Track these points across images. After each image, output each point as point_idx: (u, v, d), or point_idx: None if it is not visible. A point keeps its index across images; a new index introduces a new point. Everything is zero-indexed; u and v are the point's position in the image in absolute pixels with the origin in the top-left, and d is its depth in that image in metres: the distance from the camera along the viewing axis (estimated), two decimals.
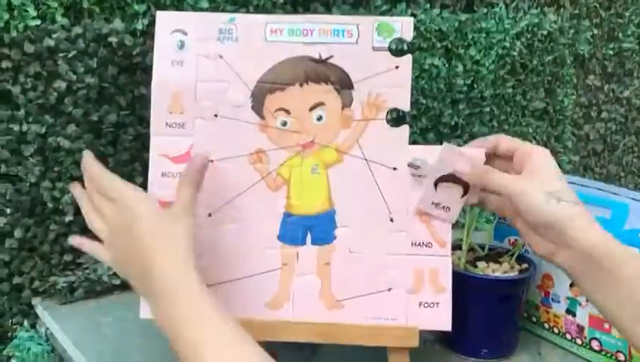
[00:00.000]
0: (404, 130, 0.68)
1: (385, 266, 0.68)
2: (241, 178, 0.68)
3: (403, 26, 0.67)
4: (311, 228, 0.68)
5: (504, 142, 0.66)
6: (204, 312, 0.54)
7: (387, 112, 0.68)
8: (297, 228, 0.68)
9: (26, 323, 0.88)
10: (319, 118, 0.68)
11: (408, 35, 0.67)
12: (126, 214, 0.59)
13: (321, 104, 0.68)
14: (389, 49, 0.68)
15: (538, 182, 0.61)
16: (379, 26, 0.67)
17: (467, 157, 0.66)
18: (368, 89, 0.67)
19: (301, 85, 0.68)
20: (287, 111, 0.68)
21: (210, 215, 0.68)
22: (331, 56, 0.67)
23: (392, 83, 0.67)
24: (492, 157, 0.66)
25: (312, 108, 0.68)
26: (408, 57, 0.68)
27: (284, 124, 0.68)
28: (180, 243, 0.57)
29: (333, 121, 0.68)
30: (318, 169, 0.68)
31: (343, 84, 0.68)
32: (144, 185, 0.90)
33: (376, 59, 0.67)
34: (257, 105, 0.68)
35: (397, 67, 0.67)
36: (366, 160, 0.68)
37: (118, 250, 0.60)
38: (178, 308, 0.54)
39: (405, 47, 0.68)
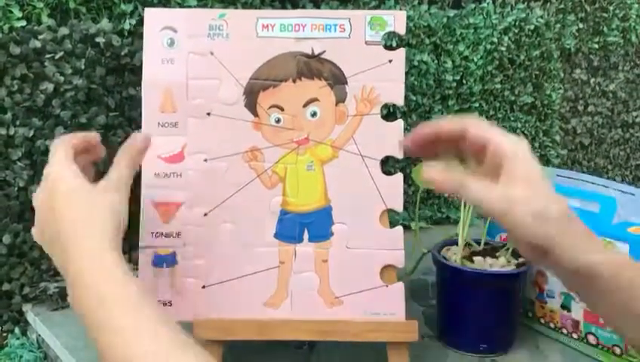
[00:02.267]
0: (399, 124, 0.68)
1: (382, 261, 0.68)
2: (237, 176, 0.67)
3: (395, 20, 0.67)
4: (308, 225, 0.67)
5: (474, 130, 0.54)
6: (118, 298, 0.47)
7: (381, 107, 0.68)
8: (294, 225, 0.67)
9: (17, 330, 0.86)
10: (313, 114, 0.67)
11: (401, 28, 0.67)
12: (46, 186, 0.54)
13: (314, 100, 0.67)
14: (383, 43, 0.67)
15: (523, 196, 0.51)
16: (371, 20, 0.66)
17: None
18: (362, 84, 0.67)
19: (294, 81, 0.67)
20: (281, 108, 0.67)
21: (206, 214, 0.67)
22: (324, 52, 0.67)
23: (386, 77, 0.67)
24: (461, 143, 0.54)
25: (305, 105, 0.67)
26: (401, 51, 0.67)
27: (278, 121, 0.67)
28: (98, 223, 0.51)
29: (327, 117, 0.67)
30: (314, 166, 0.68)
31: (337, 79, 0.67)
32: (135, 187, 0.89)
33: (369, 53, 0.67)
34: (250, 103, 0.67)
35: (390, 61, 0.67)
36: (361, 155, 0.67)
37: (41, 227, 0.55)
38: (90, 295, 0.48)
39: (395, 42, 0.67)
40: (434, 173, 0.53)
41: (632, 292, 0.51)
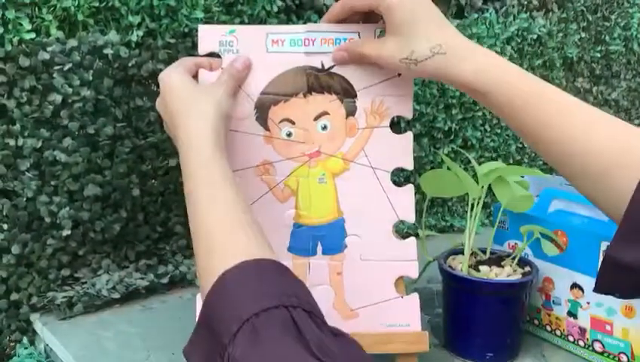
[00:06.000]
0: (408, 136, 0.68)
1: (396, 272, 0.68)
2: (249, 190, 0.67)
3: None
4: (321, 238, 0.68)
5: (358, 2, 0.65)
6: (211, 178, 0.57)
7: (390, 120, 0.68)
8: (307, 238, 0.68)
9: (24, 339, 0.86)
10: (324, 128, 0.68)
11: None
12: (160, 89, 0.64)
13: (325, 113, 0.68)
14: None
15: (394, 51, 0.62)
16: (380, 33, 0.67)
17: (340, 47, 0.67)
18: (371, 97, 0.68)
19: (305, 96, 0.68)
20: (292, 122, 0.68)
21: None
22: (334, 66, 0.67)
23: (395, 91, 0.67)
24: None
25: (316, 118, 0.68)
26: None
27: (290, 134, 0.68)
28: (202, 114, 0.60)
29: (337, 130, 0.68)
30: (325, 178, 0.68)
31: (346, 93, 0.68)
32: (142, 197, 0.90)
33: (378, 67, 0.67)
34: (262, 117, 0.68)
35: (399, 75, 0.67)
36: (372, 167, 0.68)
37: (164, 121, 0.66)
38: (189, 170, 0.58)
39: None
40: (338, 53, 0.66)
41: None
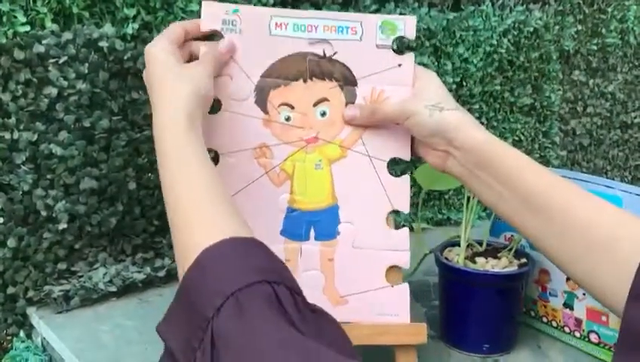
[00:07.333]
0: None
1: (388, 262, 0.68)
2: (245, 172, 0.67)
3: (406, 25, 0.68)
4: (314, 224, 0.68)
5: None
6: (185, 159, 0.57)
7: None
8: (301, 223, 0.68)
9: (21, 333, 0.86)
10: (323, 114, 0.68)
11: (411, 33, 0.68)
12: (146, 62, 0.65)
13: (325, 100, 0.68)
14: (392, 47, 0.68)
15: (420, 100, 0.65)
16: (382, 24, 0.67)
17: (353, 105, 0.69)
18: (371, 86, 0.68)
19: (305, 81, 0.68)
20: (291, 107, 0.68)
21: None
22: (335, 53, 0.67)
23: (395, 80, 0.67)
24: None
25: (315, 104, 0.68)
26: (411, 55, 0.68)
27: (288, 119, 0.68)
28: (178, 95, 0.60)
29: (336, 117, 0.68)
30: (322, 164, 0.68)
31: (347, 80, 0.68)
32: (138, 190, 0.90)
33: (379, 56, 0.68)
34: (261, 100, 0.68)
35: (400, 65, 0.67)
36: (369, 156, 0.68)
37: (147, 88, 0.66)
38: (164, 148, 0.59)
39: (396, 44, 0.68)
40: (352, 111, 0.68)
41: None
